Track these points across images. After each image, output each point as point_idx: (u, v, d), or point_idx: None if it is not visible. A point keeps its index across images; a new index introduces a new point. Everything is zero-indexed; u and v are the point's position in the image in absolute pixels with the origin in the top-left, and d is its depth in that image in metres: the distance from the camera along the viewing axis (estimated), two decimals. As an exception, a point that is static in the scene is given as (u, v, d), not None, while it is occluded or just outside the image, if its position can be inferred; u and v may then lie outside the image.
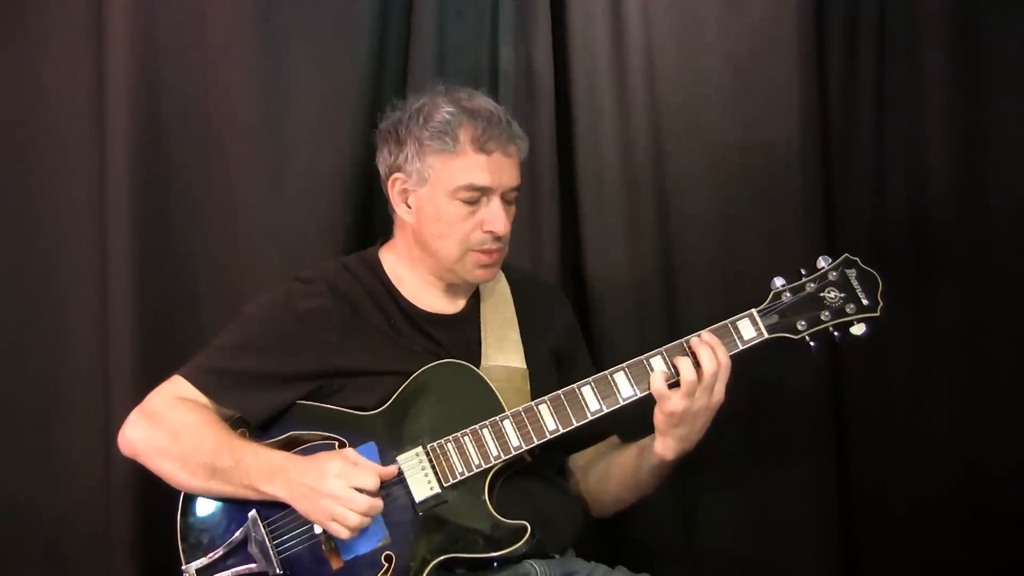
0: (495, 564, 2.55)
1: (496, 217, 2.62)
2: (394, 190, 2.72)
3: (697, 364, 2.50)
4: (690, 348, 2.53)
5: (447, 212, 2.64)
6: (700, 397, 2.50)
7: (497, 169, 2.63)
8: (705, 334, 2.54)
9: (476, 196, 2.62)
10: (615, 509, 2.88)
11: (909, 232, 3.29)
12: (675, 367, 2.50)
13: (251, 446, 2.56)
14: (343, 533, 2.45)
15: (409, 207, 2.71)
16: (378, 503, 2.47)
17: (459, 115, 2.63)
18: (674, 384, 2.51)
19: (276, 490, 2.49)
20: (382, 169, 2.76)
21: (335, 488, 2.43)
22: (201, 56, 3.18)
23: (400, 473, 2.53)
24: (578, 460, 2.87)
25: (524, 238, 3.27)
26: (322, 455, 2.52)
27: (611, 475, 2.81)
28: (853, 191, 3.36)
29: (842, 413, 3.35)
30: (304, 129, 3.22)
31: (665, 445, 2.57)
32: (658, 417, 2.54)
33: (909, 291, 3.24)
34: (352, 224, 3.23)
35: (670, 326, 3.25)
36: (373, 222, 3.15)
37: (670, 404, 2.49)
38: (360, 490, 2.45)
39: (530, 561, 2.58)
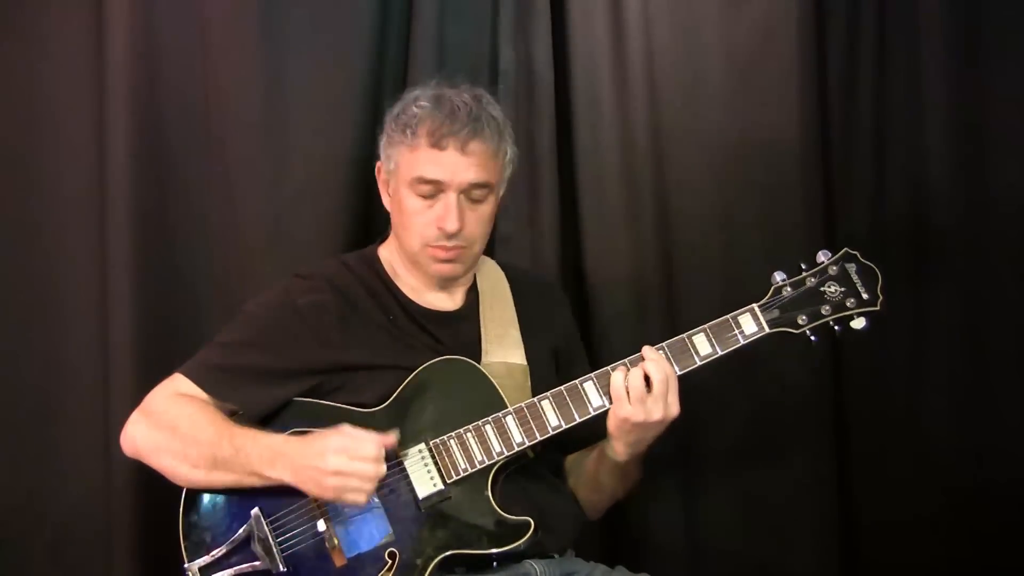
0: (495, 564, 2.55)
1: (446, 214, 2.62)
2: (380, 177, 2.78)
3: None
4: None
5: (407, 204, 2.66)
6: (653, 408, 2.51)
7: (451, 165, 2.62)
8: (646, 350, 2.56)
9: (430, 190, 2.63)
10: (595, 512, 2.89)
11: (909, 230, 3.30)
12: (627, 375, 2.52)
13: (250, 432, 2.55)
14: (361, 500, 2.43)
15: (389, 196, 2.76)
16: (383, 468, 2.45)
17: (426, 109, 2.66)
18: None
19: (280, 473, 2.48)
20: None
21: (340, 464, 2.42)
22: (201, 56, 3.19)
23: (403, 469, 2.54)
24: (568, 462, 2.88)
25: (524, 238, 3.30)
26: (319, 433, 2.50)
27: (580, 479, 2.83)
28: (853, 190, 3.36)
29: (842, 411, 3.35)
30: (304, 129, 3.23)
31: (615, 449, 2.61)
32: (611, 421, 2.55)
33: (909, 289, 3.25)
34: (352, 224, 3.24)
35: (670, 325, 3.23)
36: (373, 222, 3.16)
37: (623, 410, 2.51)
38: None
39: (530, 561, 2.58)
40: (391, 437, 2.49)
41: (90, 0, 3.10)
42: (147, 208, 3.12)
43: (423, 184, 2.62)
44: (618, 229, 3.33)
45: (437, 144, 2.62)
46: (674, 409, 2.54)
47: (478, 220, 2.68)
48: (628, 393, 2.51)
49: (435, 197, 2.63)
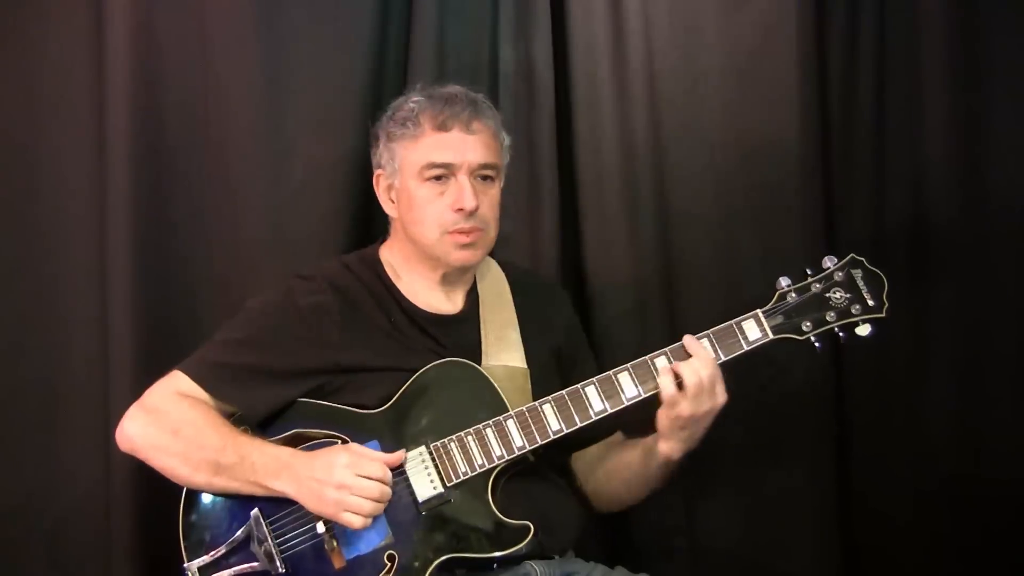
0: (495, 565, 2.55)
1: (462, 194, 2.63)
2: (380, 187, 2.79)
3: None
4: (685, 353, 2.56)
5: (418, 196, 2.67)
6: (704, 401, 2.51)
7: (458, 145, 2.65)
8: (688, 340, 2.56)
9: (440, 173, 2.65)
10: (619, 507, 2.91)
11: (909, 231, 3.29)
12: (677, 371, 2.51)
13: (255, 442, 2.56)
14: (356, 522, 2.45)
15: (393, 202, 2.75)
16: (388, 490, 2.47)
17: (421, 102, 2.69)
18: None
19: (282, 486, 2.50)
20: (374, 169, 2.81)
21: (344, 478, 2.43)
22: (201, 56, 3.18)
23: (403, 472, 2.54)
24: (579, 458, 2.88)
25: (524, 238, 3.29)
26: (327, 449, 2.53)
27: (615, 475, 2.83)
28: (853, 191, 3.35)
29: (843, 412, 3.35)
30: (304, 129, 3.22)
31: (670, 447, 2.59)
32: (663, 421, 2.55)
33: (909, 290, 3.24)
34: (352, 224, 3.23)
35: (670, 325, 3.25)
36: (373, 221, 3.14)
37: (678, 408, 2.50)
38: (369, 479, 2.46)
39: (530, 562, 2.59)
40: (398, 455, 2.52)
41: (90, 0, 3.10)
42: (147, 208, 3.11)
43: (433, 169, 2.64)
44: (618, 229, 3.32)
45: (442, 127, 2.65)
46: (721, 398, 2.54)
47: (490, 202, 2.70)
48: (688, 389, 2.50)
49: (446, 183, 2.65)
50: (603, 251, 3.33)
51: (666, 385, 2.51)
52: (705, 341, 2.56)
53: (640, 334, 3.26)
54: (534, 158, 3.28)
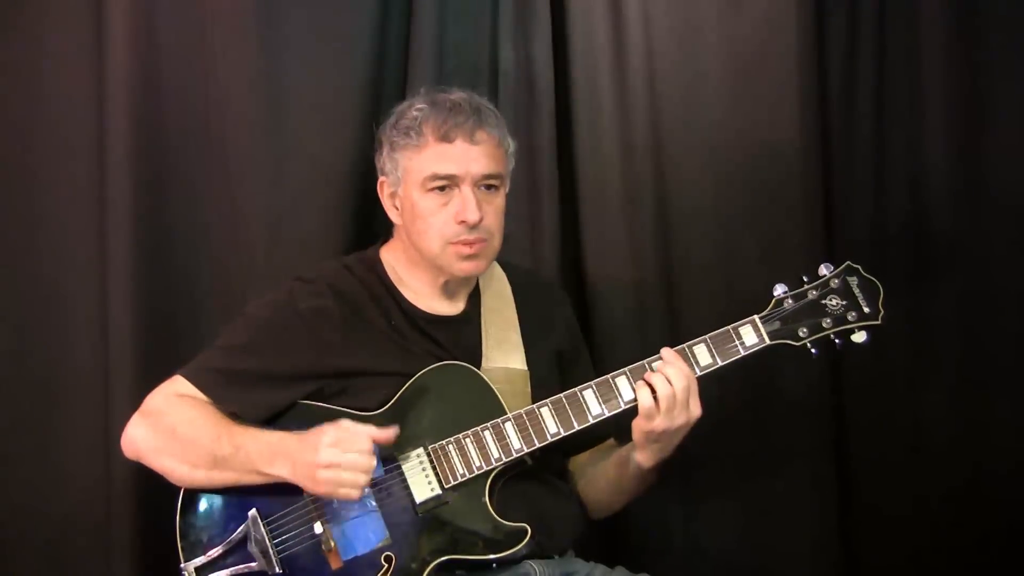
0: (494, 565, 2.56)
1: (465, 206, 2.61)
2: (383, 194, 2.77)
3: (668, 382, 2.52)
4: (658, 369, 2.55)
5: (421, 207, 2.65)
6: (678, 415, 2.51)
7: (462, 156, 2.62)
8: (665, 352, 2.56)
9: (444, 184, 2.63)
10: (606, 513, 2.90)
11: (909, 232, 3.30)
12: (651, 384, 2.51)
13: (249, 431, 2.57)
14: (354, 494, 2.44)
15: (397, 209, 2.74)
16: (374, 460, 2.45)
17: (425, 110, 2.66)
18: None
19: (278, 470, 2.50)
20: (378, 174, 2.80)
21: (333, 457, 2.42)
22: (201, 56, 3.18)
23: (401, 473, 2.55)
24: (575, 463, 2.88)
25: (524, 238, 3.29)
26: (315, 429, 2.50)
27: (597, 482, 2.83)
28: (853, 191, 3.35)
29: (842, 413, 3.35)
30: (304, 129, 3.22)
31: (644, 456, 2.61)
32: (637, 433, 2.56)
33: (909, 292, 3.24)
34: (352, 224, 3.23)
35: (670, 326, 3.27)
36: (373, 222, 3.14)
37: (653, 423, 2.51)
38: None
39: (530, 562, 2.59)
40: (390, 431, 2.49)
41: (90, 0, 3.09)
42: (147, 208, 3.11)
43: (436, 180, 2.62)
44: (618, 229, 3.32)
45: (445, 137, 2.62)
46: (696, 411, 2.53)
47: (495, 212, 2.68)
48: (658, 404, 2.51)
49: (449, 193, 2.63)
50: (603, 251, 3.33)
51: (644, 399, 2.51)
52: (703, 346, 2.57)
53: (640, 334, 3.27)
54: (534, 158, 3.28)
